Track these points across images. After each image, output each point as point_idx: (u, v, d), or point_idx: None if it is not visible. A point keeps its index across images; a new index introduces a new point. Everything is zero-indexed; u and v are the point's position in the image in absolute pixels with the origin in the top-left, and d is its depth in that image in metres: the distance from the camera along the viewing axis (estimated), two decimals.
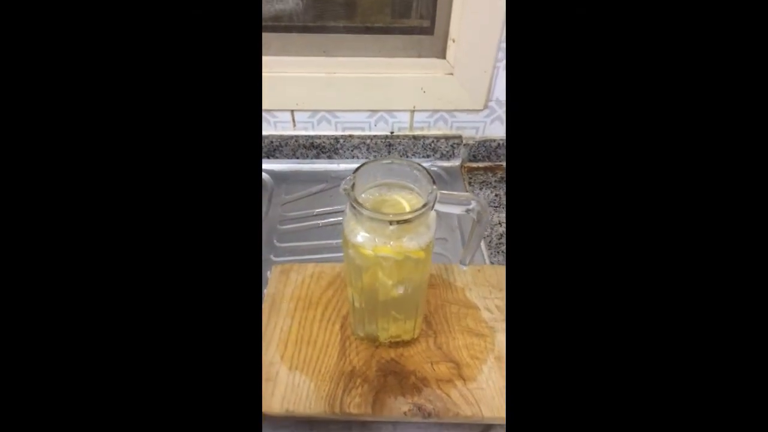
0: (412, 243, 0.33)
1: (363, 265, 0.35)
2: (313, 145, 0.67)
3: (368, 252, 0.33)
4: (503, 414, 0.40)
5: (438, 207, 0.33)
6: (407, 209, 0.34)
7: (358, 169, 0.34)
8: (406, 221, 0.31)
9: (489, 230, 0.59)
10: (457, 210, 0.33)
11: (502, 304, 0.48)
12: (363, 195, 0.36)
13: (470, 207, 0.33)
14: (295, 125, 0.67)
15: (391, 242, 0.33)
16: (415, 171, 0.34)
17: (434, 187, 0.33)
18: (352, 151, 0.68)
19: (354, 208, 0.32)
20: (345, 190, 0.33)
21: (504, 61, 0.59)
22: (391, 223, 0.31)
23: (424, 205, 0.32)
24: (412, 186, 0.35)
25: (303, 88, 0.62)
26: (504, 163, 0.70)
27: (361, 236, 0.34)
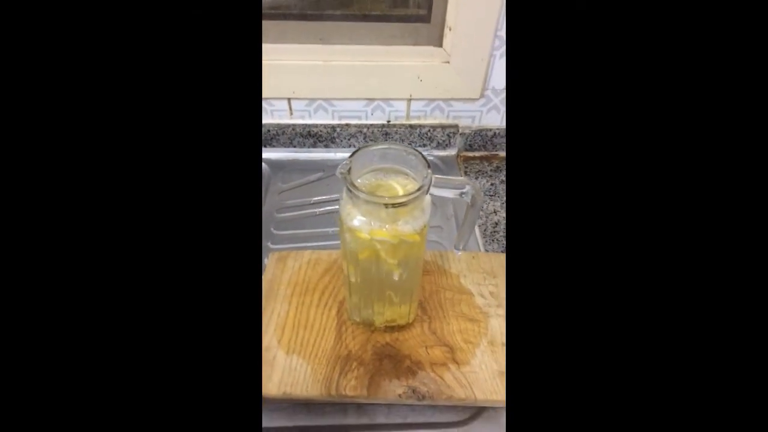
0: (407, 227, 0.34)
1: (359, 249, 0.35)
2: (310, 134, 0.67)
3: (364, 235, 0.34)
4: (496, 397, 0.41)
5: (433, 191, 0.33)
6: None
7: (354, 153, 0.34)
8: (401, 204, 0.32)
9: (484, 219, 0.60)
10: (451, 194, 0.34)
11: (496, 290, 0.49)
12: (359, 180, 0.36)
13: (464, 191, 0.33)
14: (292, 114, 0.67)
15: (387, 226, 0.33)
16: (410, 156, 0.35)
17: (429, 171, 0.33)
18: (349, 140, 0.68)
19: (350, 191, 0.32)
20: (342, 173, 0.33)
21: (501, 50, 0.60)
22: (386, 206, 0.32)
23: (419, 189, 0.32)
24: (407, 171, 0.36)
25: (300, 76, 0.62)
26: (500, 153, 0.70)
27: (357, 220, 0.34)
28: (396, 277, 0.38)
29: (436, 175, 0.33)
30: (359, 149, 0.34)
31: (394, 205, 0.32)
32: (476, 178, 0.66)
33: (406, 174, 0.36)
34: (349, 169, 0.33)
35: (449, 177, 0.33)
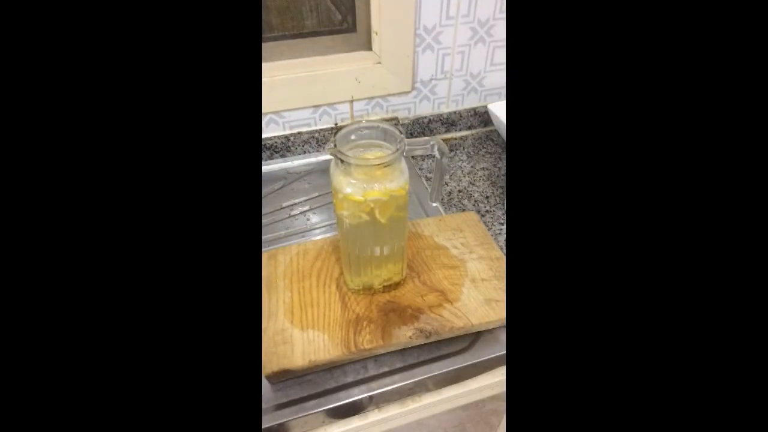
0: (393, 184, 0.40)
1: (355, 212, 0.41)
2: (265, 147, 0.72)
3: (359, 198, 0.40)
4: (487, 319, 0.48)
5: (408, 150, 0.40)
6: None
7: (336, 132, 0.40)
8: (387, 164, 0.39)
9: None
10: (421, 150, 0.41)
11: (465, 240, 0.57)
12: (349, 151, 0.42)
13: (431, 143, 0.41)
14: None
15: (377, 185, 0.40)
16: (383, 129, 0.42)
17: (402, 136, 0.40)
18: (302, 146, 0.74)
19: (342, 161, 0.39)
20: (330, 150, 0.39)
21: (422, 46, 0.70)
22: (376, 165, 0.38)
23: (397, 150, 0.39)
24: (381, 143, 0.43)
25: None
26: (436, 136, 0.80)
27: (350, 186, 0.40)
28: (389, 233, 0.44)
29: (408, 139, 0.41)
30: (340, 129, 0.41)
31: (382, 165, 0.39)
32: (423, 160, 0.75)
33: (380, 146, 0.43)
34: (335, 145, 0.40)
35: (417, 138, 0.41)
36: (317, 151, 0.75)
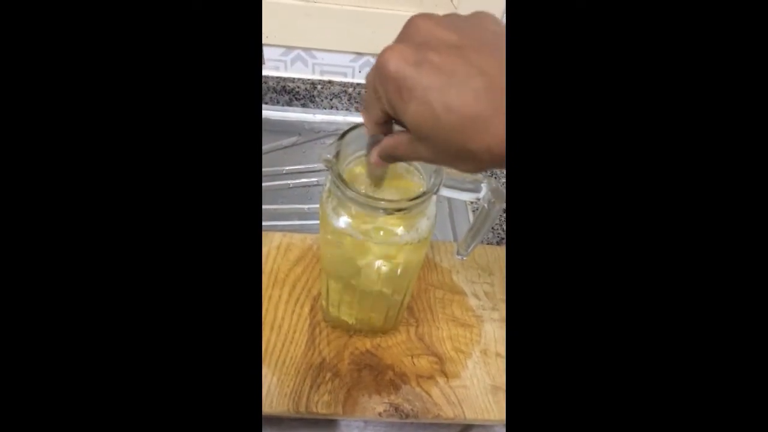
0: (407, 236, 0.27)
1: (344, 254, 0.28)
2: (285, 90, 0.58)
3: (353, 240, 0.27)
4: (488, 416, 0.36)
5: (443, 192, 0.26)
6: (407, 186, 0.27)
7: (344, 134, 0.26)
8: (402, 209, 0.25)
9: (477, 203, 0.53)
10: (464, 197, 0.27)
11: (492, 289, 0.44)
12: (349, 164, 0.28)
13: (480, 195, 0.26)
14: (263, 63, 0.56)
15: (381, 233, 0.26)
16: None
17: (440, 168, 0.26)
18: (330, 100, 0.59)
19: (337, 187, 0.25)
20: (327, 161, 0.25)
21: None
22: (384, 211, 0.24)
23: (425, 192, 0.25)
24: (408, 165, 0.28)
25: (274, 17, 0.51)
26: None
27: (343, 221, 0.27)
28: (386, 288, 0.31)
29: (449, 170, 0.26)
30: (352, 129, 0.26)
31: (394, 210, 0.25)
32: None
33: (406, 169, 0.29)
34: (338, 153, 0.26)
35: (460, 175, 0.26)
36: (347, 109, 0.60)
